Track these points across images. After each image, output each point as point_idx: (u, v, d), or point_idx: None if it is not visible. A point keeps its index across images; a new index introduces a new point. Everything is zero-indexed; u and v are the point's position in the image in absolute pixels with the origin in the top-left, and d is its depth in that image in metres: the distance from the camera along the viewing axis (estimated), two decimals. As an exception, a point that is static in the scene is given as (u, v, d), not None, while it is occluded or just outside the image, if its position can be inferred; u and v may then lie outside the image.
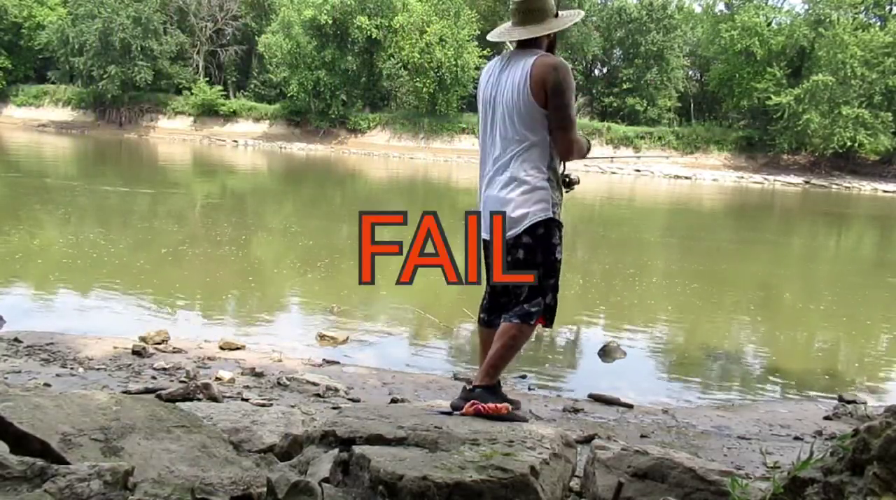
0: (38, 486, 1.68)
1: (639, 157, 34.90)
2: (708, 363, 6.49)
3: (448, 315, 7.16)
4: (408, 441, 2.27)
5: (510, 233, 2.64)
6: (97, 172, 23.06)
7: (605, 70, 48.11)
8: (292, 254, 10.79)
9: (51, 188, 16.13)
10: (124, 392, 3.87)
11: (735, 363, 6.60)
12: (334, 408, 3.95)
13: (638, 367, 6.18)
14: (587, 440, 3.72)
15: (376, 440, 2.28)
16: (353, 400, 4.48)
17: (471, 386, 2.73)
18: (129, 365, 5.00)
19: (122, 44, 41.25)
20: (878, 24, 38.33)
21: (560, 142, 2.69)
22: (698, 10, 44.28)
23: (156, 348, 5.43)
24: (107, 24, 41.10)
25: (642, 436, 4.20)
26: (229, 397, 4.20)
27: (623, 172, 35.10)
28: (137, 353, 5.24)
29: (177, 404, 2.82)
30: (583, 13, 3.43)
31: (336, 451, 2.28)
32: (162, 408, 2.41)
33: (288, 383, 4.81)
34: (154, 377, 4.73)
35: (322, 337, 6.22)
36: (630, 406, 4.91)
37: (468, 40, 39.80)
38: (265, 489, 1.84)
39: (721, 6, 41.56)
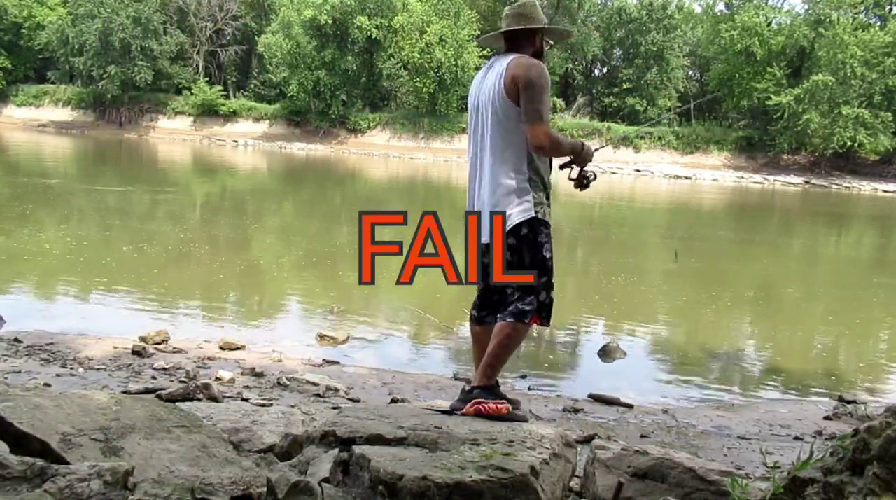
0: (38, 486, 1.68)
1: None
2: (708, 363, 6.48)
3: (448, 315, 7.15)
4: (408, 441, 2.27)
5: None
6: (97, 172, 23.06)
7: (605, 70, 48.15)
8: (292, 254, 10.79)
9: (51, 188, 16.11)
10: (124, 392, 3.87)
11: (735, 363, 6.60)
12: (334, 408, 3.95)
13: (638, 367, 6.18)
14: (587, 440, 3.72)
15: (376, 440, 2.28)
16: (353, 400, 4.48)
17: (469, 387, 2.74)
18: (129, 365, 5.00)
19: (121, 44, 41.21)
20: (878, 23, 38.25)
21: (528, 135, 2.67)
22: (698, 10, 44.26)
23: (156, 348, 5.43)
24: (107, 24, 41.06)
25: (642, 436, 4.20)
26: (229, 397, 4.20)
27: (623, 172, 35.06)
28: (137, 353, 5.24)
29: (177, 404, 2.82)
30: (573, 31, 3.46)
31: (336, 451, 2.28)
32: (162, 408, 2.41)
33: (288, 383, 4.81)
34: (154, 377, 4.73)
35: (322, 337, 6.22)
36: (630, 406, 4.91)
37: (468, 40, 39.71)
38: (265, 489, 1.84)
39: (721, 6, 41.53)
